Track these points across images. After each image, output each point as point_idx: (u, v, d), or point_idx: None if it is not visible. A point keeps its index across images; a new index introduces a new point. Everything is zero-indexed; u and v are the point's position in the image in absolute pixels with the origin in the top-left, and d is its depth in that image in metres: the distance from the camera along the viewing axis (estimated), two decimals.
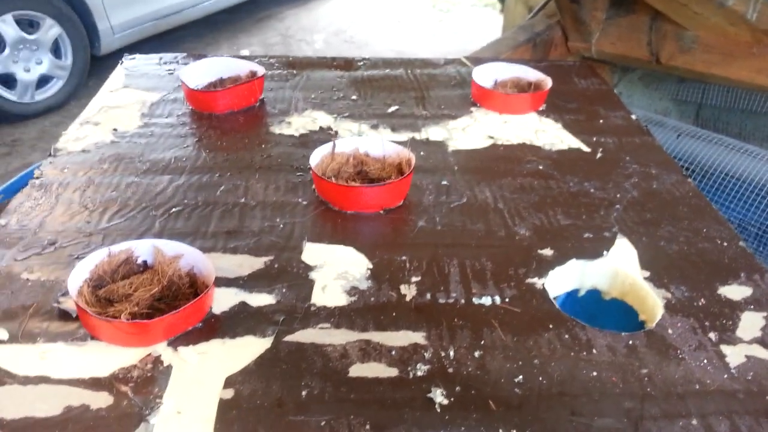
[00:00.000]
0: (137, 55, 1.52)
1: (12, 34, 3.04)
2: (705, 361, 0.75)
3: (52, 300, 0.79)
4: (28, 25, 3.13)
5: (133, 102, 1.30)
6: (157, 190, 1.02)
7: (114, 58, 3.62)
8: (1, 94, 3.06)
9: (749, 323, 0.82)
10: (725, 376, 0.73)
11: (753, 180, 1.79)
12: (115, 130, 1.19)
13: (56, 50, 3.28)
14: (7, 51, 3.04)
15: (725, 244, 0.96)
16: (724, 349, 0.77)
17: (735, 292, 0.87)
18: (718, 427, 0.67)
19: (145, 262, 0.84)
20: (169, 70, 1.45)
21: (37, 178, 1.04)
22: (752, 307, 0.84)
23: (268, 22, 4.76)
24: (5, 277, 0.83)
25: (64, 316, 0.77)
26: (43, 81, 3.24)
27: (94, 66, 3.52)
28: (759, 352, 0.77)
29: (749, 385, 0.72)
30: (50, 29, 3.18)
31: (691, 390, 0.71)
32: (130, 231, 0.92)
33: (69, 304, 0.78)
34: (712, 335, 0.79)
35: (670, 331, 0.80)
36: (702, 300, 0.85)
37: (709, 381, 0.73)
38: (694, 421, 0.67)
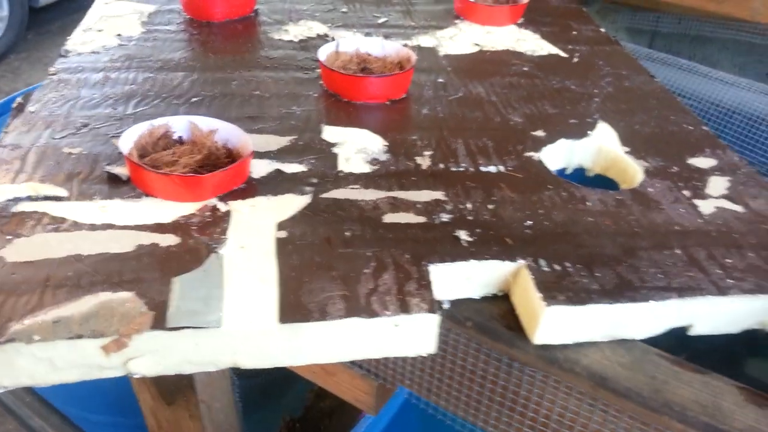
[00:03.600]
0: None
1: None
2: (682, 210, 0.88)
3: (100, 168, 0.85)
4: None
5: (130, 12, 1.33)
6: (173, 84, 1.07)
7: (53, 11, 3.50)
8: None
9: (716, 184, 0.95)
10: (700, 220, 0.86)
11: (702, 98, 1.93)
12: (119, 35, 1.23)
13: None
14: None
15: (691, 128, 1.09)
16: (697, 202, 0.90)
17: (702, 162, 1.00)
18: (697, 254, 0.80)
19: (180, 137, 0.90)
20: None
21: (54, 74, 1.08)
22: (717, 172, 0.97)
23: None
24: (48, 151, 0.88)
25: (114, 180, 0.83)
26: None
27: (32, 19, 3.40)
28: (726, 204, 0.90)
29: (719, 227, 0.85)
30: None
31: (672, 230, 0.84)
32: (158, 115, 0.98)
33: (118, 170, 0.84)
34: (686, 192, 0.92)
35: (650, 189, 0.92)
36: (675, 167, 0.98)
37: (687, 224, 0.85)
38: (678, 251, 0.80)
